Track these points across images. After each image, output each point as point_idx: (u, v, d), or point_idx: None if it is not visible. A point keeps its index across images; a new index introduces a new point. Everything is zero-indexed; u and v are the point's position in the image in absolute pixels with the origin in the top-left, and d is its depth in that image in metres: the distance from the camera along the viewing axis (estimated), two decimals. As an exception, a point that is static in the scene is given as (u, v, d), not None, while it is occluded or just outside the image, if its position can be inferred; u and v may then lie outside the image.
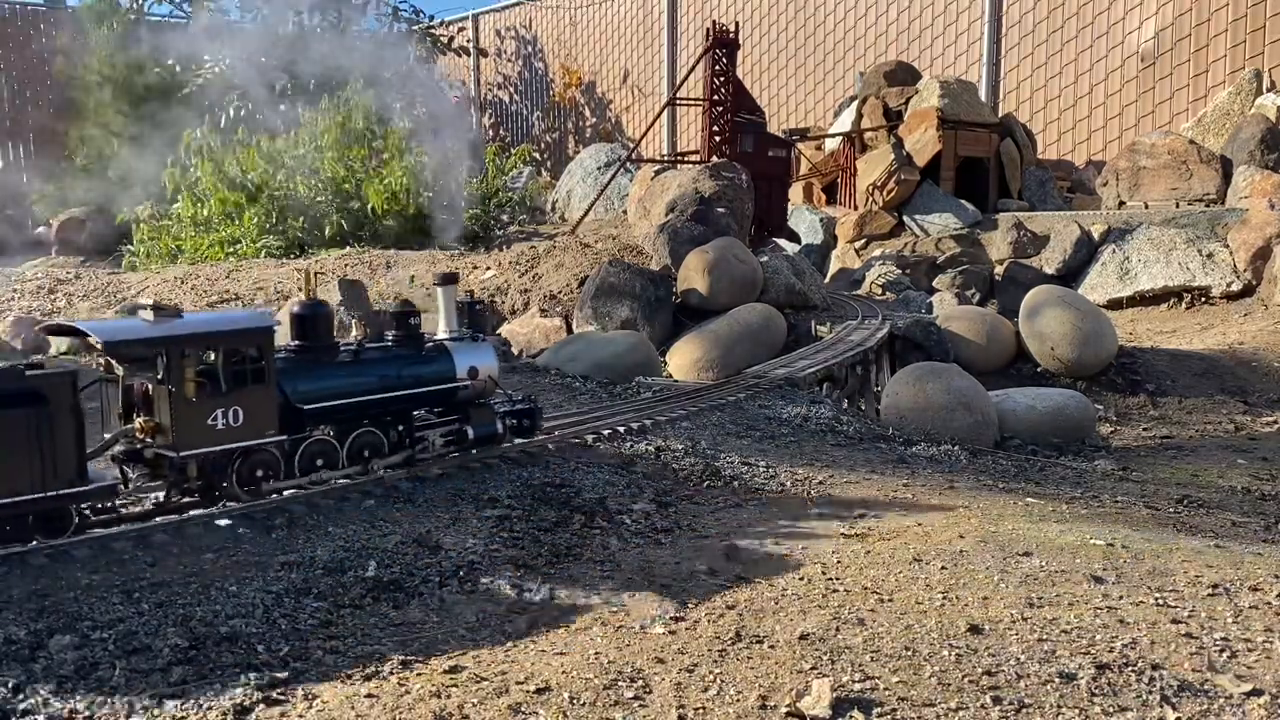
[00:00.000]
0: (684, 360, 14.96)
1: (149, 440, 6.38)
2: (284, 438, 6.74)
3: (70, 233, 29.90)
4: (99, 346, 6.18)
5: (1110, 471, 10.74)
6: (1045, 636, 5.08)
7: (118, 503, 6.37)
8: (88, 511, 6.16)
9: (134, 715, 4.49)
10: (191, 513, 6.61)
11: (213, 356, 6.34)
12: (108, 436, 6.40)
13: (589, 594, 5.97)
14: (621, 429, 9.19)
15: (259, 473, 6.70)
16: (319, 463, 7.03)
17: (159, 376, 6.22)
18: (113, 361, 6.42)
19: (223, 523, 6.53)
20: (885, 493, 8.38)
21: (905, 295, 20.00)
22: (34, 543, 5.85)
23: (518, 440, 8.29)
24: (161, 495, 6.62)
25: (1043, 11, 27.18)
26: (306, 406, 6.86)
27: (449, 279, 8.32)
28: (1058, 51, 26.99)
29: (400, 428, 7.48)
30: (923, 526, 7.22)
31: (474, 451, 7.97)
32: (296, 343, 7.14)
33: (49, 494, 5.77)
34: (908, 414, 11.73)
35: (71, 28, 35.95)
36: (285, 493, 6.92)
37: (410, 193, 22.95)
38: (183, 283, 19.55)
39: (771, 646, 5.00)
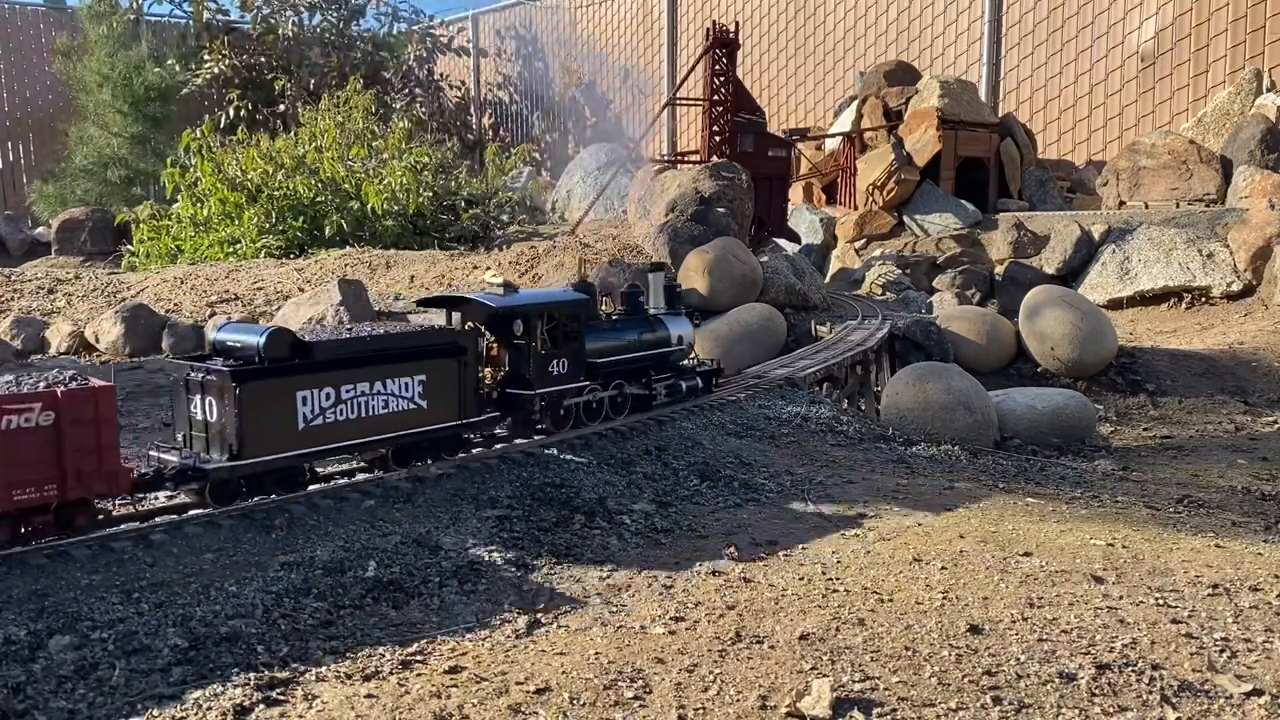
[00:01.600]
0: (684, 360, 14.95)
1: (493, 385, 8.31)
2: (586, 384, 8.92)
3: (70, 233, 29.85)
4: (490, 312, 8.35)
5: (1110, 471, 10.73)
6: (1045, 636, 5.08)
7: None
8: (474, 437, 8.18)
9: (134, 715, 4.49)
10: (192, 513, 6.63)
11: (550, 321, 8.46)
12: None
13: (589, 594, 5.97)
14: (622, 429, 9.19)
15: (561, 411, 8.72)
16: (594, 406, 9.08)
17: (517, 336, 8.33)
18: (479, 324, 8.38)
19: (223, 523, 6.53)
20: (885, 493, 8.38)
21: (905, 295, 19.99)
22: (438, 460, 7.74)
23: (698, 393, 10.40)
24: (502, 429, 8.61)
25: (1043, 11, 27.18)
26: (597, 361, 9.03)
27: (658, 267, 10.92)
28: (1058, 51, 26.99)
29: (642, 380, 9.59)
30: (923, 526, 7.22)
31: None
32: None
33: (461, 422, 7.76)
34: (908, 414, 11.73)
35: (71, 27, 35.96)
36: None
37: (412, 192, 22.92)
38: (182, 283, 19.53)
39: (771, 646, 5.00)
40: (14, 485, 5.55)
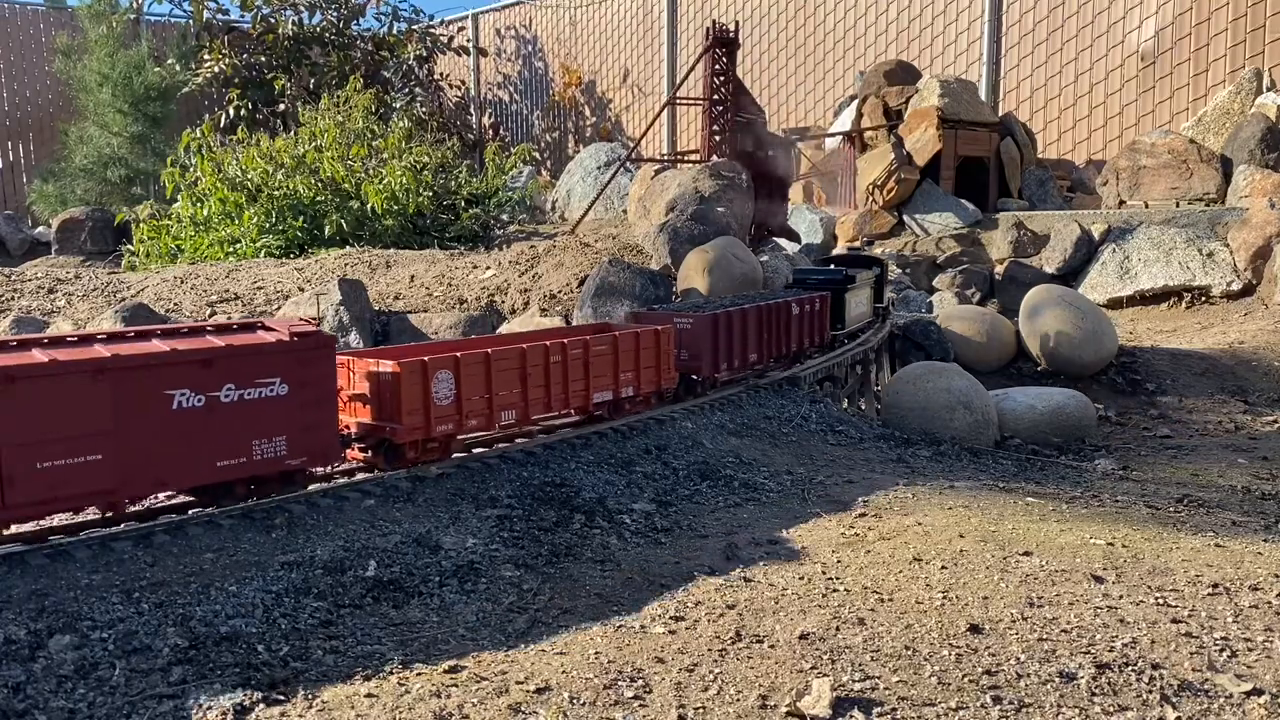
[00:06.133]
0: (684, 360, 15.03)
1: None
2: (886, 304, 16.09)
3: (70, 232, 29.82)
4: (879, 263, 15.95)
5: (1110, 471, 10.74)
6: (1045, 636, 5.08)
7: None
8: (866, 330, 14.80)
9: (134, 715, 4.49)
10: (191, 512, 6.63)
11: (883, 270, 16.03)
12: None
13: (589, 594, 5.97)
14: (623, 428, 9.19)
15: (880, 315, 15.54)
16: (880, 316, 15.64)
17: (876, 277, 15.49)
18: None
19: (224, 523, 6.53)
20: (885, 493, 8.38)
21: (905, 295, 19.99)
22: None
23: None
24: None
25: (1043, 11, 27.17)
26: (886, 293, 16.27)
27: (869, 243, 17.40)
28: (1058, 51, 26.99)
29: (882, 306, 15.99)
30: (923, 526, 7.22)
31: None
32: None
33: (869, 321, 15.12)
34: (908, 414, 11.73)
35: (71, 27, 35.93)
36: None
37: (412, 192, 22.91)
38: (183, 282, 19.52)
39: (771, 646, 5.00)
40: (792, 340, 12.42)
